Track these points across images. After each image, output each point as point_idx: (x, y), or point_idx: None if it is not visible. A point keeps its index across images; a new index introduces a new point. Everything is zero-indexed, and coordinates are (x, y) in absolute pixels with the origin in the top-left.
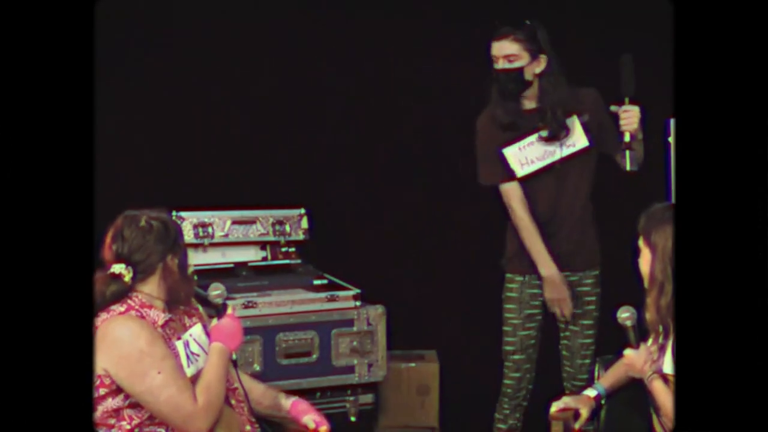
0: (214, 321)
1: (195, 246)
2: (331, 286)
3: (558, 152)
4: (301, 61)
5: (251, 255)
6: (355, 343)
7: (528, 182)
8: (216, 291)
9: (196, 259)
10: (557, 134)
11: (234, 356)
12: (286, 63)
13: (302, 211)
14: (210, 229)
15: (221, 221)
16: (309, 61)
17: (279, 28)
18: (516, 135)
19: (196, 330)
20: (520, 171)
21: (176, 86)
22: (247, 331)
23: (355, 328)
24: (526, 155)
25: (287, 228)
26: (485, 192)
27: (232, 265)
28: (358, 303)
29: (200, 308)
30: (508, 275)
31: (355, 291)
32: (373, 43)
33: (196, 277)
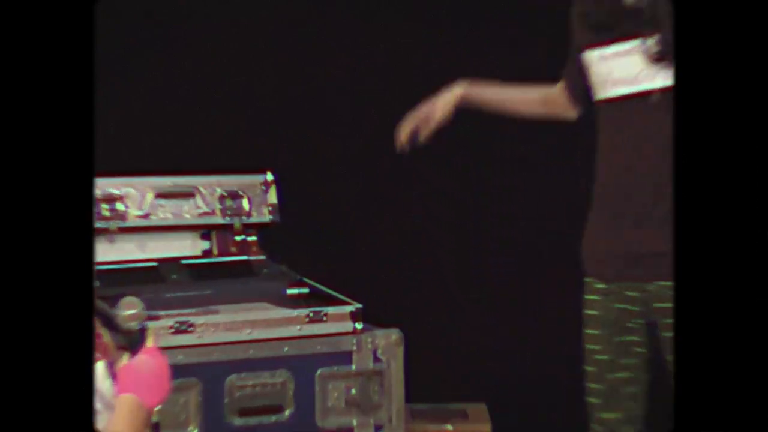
0: (125, 357)
1: (97, 233)
2: (316, 298)
3: (659, 79)
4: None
5: (186, 248)
6: (353, 391)
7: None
8: (129, 310)
9: (100, 253)
10: (666, 50)
11: (154, 417)
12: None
13: (268, 177)
14: (121, 206)
15: (139, 193)
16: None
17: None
18: (607, 37)
19: (96, 371)
20: (600, 91)
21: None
22: (179, 371)
23: (353, 367)
24: (612, 69)
25: (245, 204)
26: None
27: (155, 264)
28: (358, 325)
29: (105, 335)
30: (587, 279)
31: (353, 306)
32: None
33: (96, 284)
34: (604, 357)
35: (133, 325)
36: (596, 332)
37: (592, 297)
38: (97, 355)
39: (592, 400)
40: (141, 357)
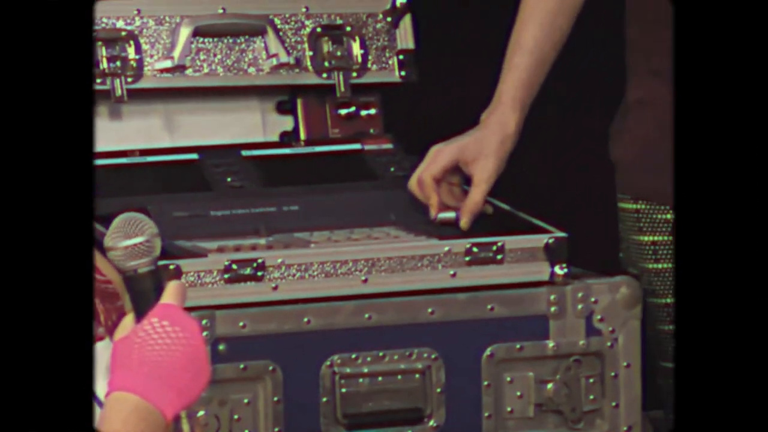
0: (126, 322)
1: (94, 99)
2: (482, 220)
3: None
4: None
5: (250, 128)
6: (550, 386)
7: None
8: (128, 239)
9: (99, 136)
10: None
11: (184, 429)
12: None
13: (399, 0)
14: (133, 52)
15: (166, 29)
16: None
17: None
18: None
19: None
20: None
21: None
22: (239, 349)
23: (551, 344)
24: None
25: (355, 49)
26: None
27: (194, 156)
28: (560, 270)
29: (118, 281)
30: None
31: (552, 234)
32: None
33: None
34: None
35: (137, 264)
36: None
37: None
38: (96, 328)
39: None
40: (150, 323)
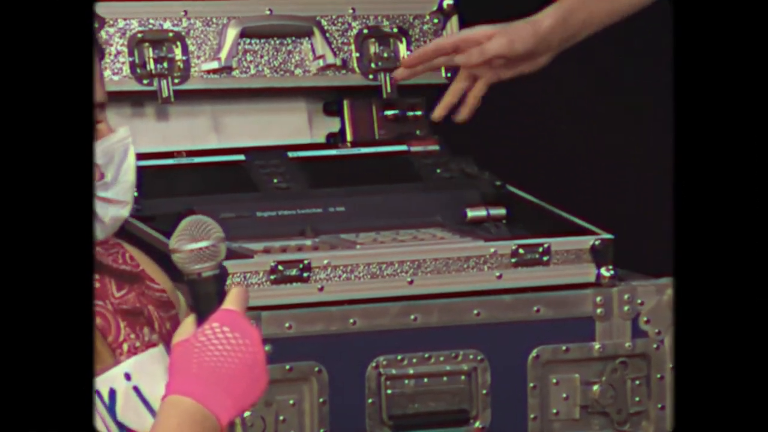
0: (186, 326)
1: (139, 95)
2: (527, 221)
3: None
4: None
5: (296, 129)
6: (596, 388)
7: None
8: (194, 243)
9: (142, 137)
10: None
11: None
12: None
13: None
14: (179, 53)
15: (213, 30)
16: None
17: None
18: None
19: (146, 359)
20: None
21: None
22: (285, 350)
23: (598, 346)
24: None
25: (402, 50)
26: None
27: (241, 158)
28: (607, 272)
29: (180, 298)
30: None
31: (599, 236)
32: None
33: (135, 193)
34: None
35: (201, 268)
36: None
37: None
38: (150, 334)
39: None
40: (211, 328)
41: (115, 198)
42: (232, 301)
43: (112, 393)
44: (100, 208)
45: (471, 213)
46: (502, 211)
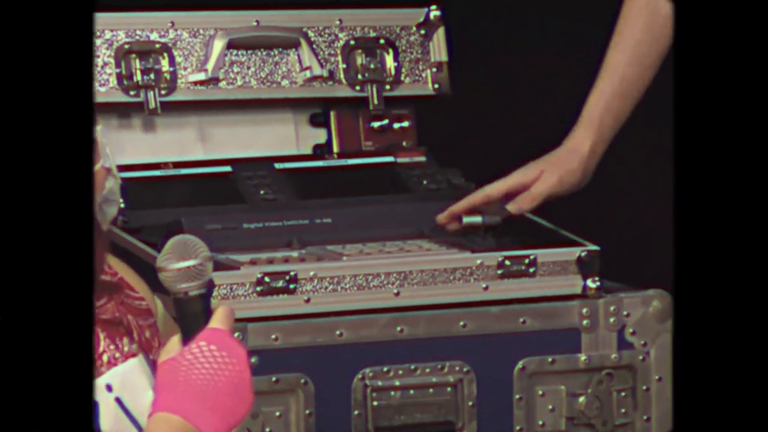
0: (173, 343)
1: (126, 106)
2: (514, 233)
3: None
4: None
5: (283, 141)
6: (582, 399)
7: None
8: (181, 261)
9: (131, 148)
10: None
11: None
12: None
13: (433, 13)
14: (166, 64)
15: (200, 41)
16: None
17: None
18: None
19: (126, 369)
20: None
21: None
22: (272, 362)
23: (583, 357)
24: None
25: (389, 62)
26: None
27: (228, 169)
28: (593, 283)
29: (158, 304)
30: None
31: (585, 248)
32: None
33: (122, 204)
34: None
35: (188, 287)
36: None
37: None
38: (130, 344)
39: None
40: (198, 346)
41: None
42: (218, 320)
43: (95, 405)
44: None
45: (467, 219)
46: (497, 219)
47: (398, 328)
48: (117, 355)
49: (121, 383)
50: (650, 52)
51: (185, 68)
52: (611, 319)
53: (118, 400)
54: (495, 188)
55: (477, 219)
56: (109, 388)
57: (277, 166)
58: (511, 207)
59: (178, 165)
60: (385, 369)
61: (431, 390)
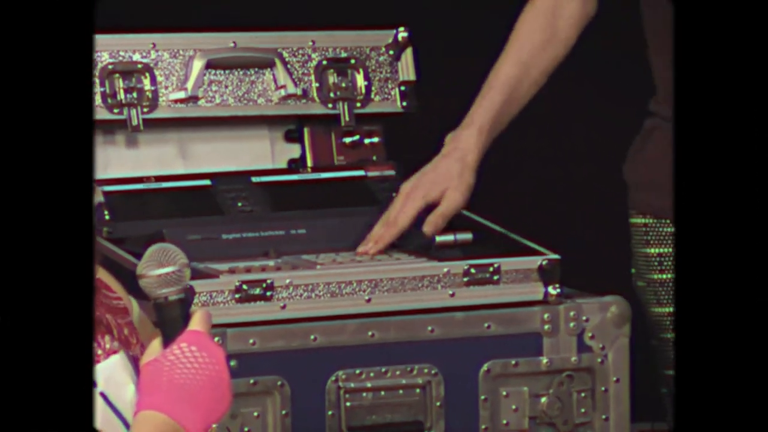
0: (154, 346)
1: (110, 123)
2: (479, 243)
3: None
4: None
5: (260, 155)
6: (544, 400)
7: None
8: (160, 268)
9: (115, 163)
10: None
11: None
12: None
13: (401, 34)
14: (148, 83)
15: (180, 61)
16: None
17: None
18: None
19: (109, 365)
20: None
21: None
22: (249, 365)
23: (545, 360)
24: None
25: (360, 81)
26: None
27: (207, 183)
28: (554, 290)
29: (133, 304)
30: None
31: (546, 257)
32: None
33: (107, 215)
34: None
35: (168, 292)
36: None
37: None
38: (111, 341)
39: None
40: (179, 348)
41: None
42: (197, 323)
43: None
44: None
45: (439, 239)
46: (468, 236)
47: (369, 333)
48: (99, 352)
49: (105, 379)
50: (546, 58)
51: (166, 87)
52: (571, 324)
53: (103, 395)
54: (405, 220)
55: (449, 237)
56: (93, 384)
57: (254, 179)
58: (427, 229)
59: (159, 179)
60: (358, 371)
61: (401, 391)
